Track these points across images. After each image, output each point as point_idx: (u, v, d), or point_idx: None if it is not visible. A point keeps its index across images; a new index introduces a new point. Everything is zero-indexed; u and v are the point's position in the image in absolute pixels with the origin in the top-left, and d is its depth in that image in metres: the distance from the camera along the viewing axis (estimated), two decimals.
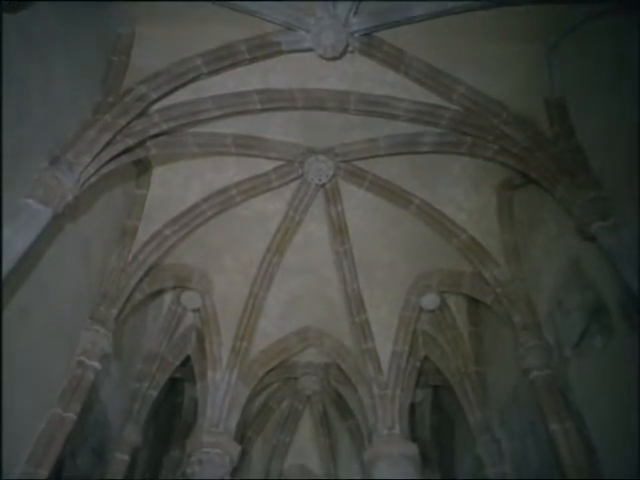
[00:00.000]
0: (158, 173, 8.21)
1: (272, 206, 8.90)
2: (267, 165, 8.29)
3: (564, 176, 5.78)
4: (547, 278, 7.17)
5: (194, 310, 9.73)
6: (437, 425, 11.51)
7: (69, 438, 6.33)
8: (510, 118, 6.42)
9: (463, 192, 8.35)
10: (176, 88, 6.37)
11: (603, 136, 5.56)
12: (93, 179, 5.68)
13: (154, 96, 6.19)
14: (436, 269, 9.15)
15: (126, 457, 8.33)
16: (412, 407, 10.67)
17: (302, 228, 9.11)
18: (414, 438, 9.50)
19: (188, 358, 9.88)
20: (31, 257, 5.30)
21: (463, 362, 9.34)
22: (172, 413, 11.51)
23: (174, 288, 9.58)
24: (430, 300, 9.45)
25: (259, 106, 7.04)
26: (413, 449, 8.15)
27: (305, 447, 12.31)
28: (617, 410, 5.51)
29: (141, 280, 8.10)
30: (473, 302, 9.34)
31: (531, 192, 7.42)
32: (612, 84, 5.34)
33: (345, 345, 9.63)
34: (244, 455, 10.80)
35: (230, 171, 8.33)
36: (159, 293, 9.42)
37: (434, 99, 6.78)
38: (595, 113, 5.69)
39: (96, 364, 6.77)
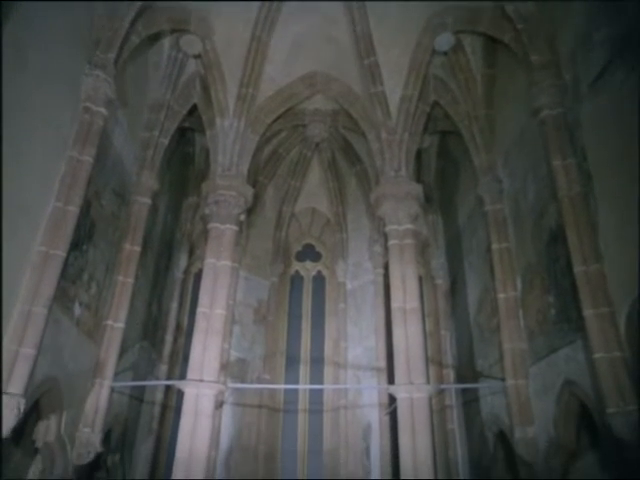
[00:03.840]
0: None
1: None
2: None
3: None
4: (578, 10, 6.56)
5: (195, 56, 9.28)
6: (442, 169, 11.90)
7: (90, 180, 6.69)
8: None
9: None
10: None
11: None
12: None
13: None
14: (452, 5, 8.39)
15: (147, 200, 8.86)
16: (419, 153, 10.92)
17: None
18: (419, 181, 9.95)
19: (195, 107, 9.79)
20: None
21: (473, 106, 9.20)
22: (185, 162, 11.88)
23: (172, 32, 8.97)
24: (444, 40, 8.86)
25: None
26: (418, 189, 8.55)
27: (315, 191, 12.98)
28: (620, 145, 5.58)
29: (135, 22, 7.57)
30: (489, 42, 8.79)
31: None
32: None
33: (353, 90, 9.40)
34: (257, 199, 11.51)
35: None
36: (157, 38, 8.85)
37: None
38: None
39: (102, 110, 6.80)
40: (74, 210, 6.18)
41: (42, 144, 5.94)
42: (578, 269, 5.95)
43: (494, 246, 8.46)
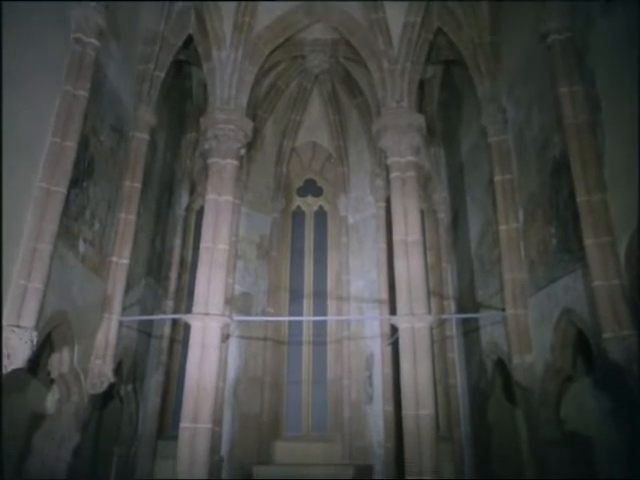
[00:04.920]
0: None
1: None
2: None
3: None
4: None
5: None
6: (445, 101, 11.62)
7: (87, 115, 6.58)
8: None
9: None
10: None
11: None
12: None
13: None
14: None
15: (145, 136, 8.72)
16: (421, 84, 10.63)
17: None
18: (422, 112, 9.73)
19: (190, 38, 9.44)
20: None
21: (478, 33, 8.89)
22: (183, 97, 11.61)
23: None
24: None
25: None
26: (420, 120, 8.40)
27: (315, 125, 12.74)
28: (631, 70, 5.40)
29: None
30: None
31: None
32: None
33: (354, 17, 9.06)
34: (257, 134, 11.35)
35: None
36: None
37: None
38: None
39: (94, 41, 6.60)
40: (72, 145, 6.11)
41: (35, 78, 5.79)
42: (581, 199, 5.94)
43: (497, 178, 8.39)
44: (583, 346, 6.59)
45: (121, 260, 7.97)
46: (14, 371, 5.22)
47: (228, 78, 8.70)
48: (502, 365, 8.40)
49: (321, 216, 13.04)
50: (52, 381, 6.94)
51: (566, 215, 6.67)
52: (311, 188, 13.25)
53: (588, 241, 5.78)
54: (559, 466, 6.93)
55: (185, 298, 11.16)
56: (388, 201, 9.63)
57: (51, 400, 7.02)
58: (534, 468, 8.02)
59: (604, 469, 6.68)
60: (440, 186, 11.78)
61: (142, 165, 8.56)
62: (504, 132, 8.59)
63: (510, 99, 8.48)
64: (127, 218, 8.22)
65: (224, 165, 8.16)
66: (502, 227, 8.19)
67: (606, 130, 5.87)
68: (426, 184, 11.87)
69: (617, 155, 5.70)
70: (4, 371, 5.08)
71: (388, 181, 8.66)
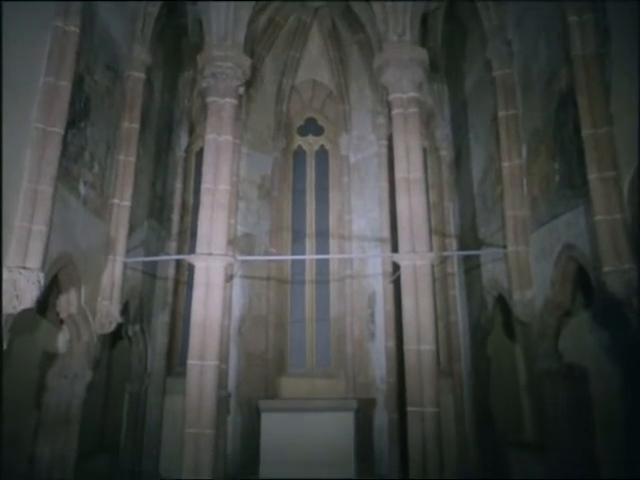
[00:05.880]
0: None
1: None
2: None
3: None
4: None
5: None
6: (449, 34, 11.19)
7: (80, 54, 6.41)
8: None
9: None
10: None
11: None
12: None
13: None
14: None
15: (141, 74, 8.52)
16: (424, 17, 10.19)
17: None
18: (424, 46, 9.41)
19: None
20: None
21: None
22: (178, 35, 11.21)
23: None
24: None
25: None
26: (422, 54, 8.13)
27: (315, 62, 12.37)
28: None
29: None
30: None
31: None
32: None
33: None
34: (256, 72, 11.06)
35: None
36: None
37: None
38: None
39: None
40: (66, 85, 5.96)
41: (23, 13, 5.58)
42: (586, 132, 5.83)
43: (501, 113, 8.23)
44: (582, 282, 6.67)
45: (122, 202, 7.97)
46: (23, 311, 5.33)
47: (224, 13, 8.35)
48: (502, 301, 8.54)
49: (322, 155, 12.88)
50: (62, 322, 7.11)
51: (570, 150, 6.58)
52: (312, 127, 13.02)
53: (592, 176, 5.73)
54: (554, 396, 7.18)
55: (188, 240, 11.22)
56: (390, 139, 9.47)
57: (62, 340, 7.25)
58: (530, 399, 8.33)
59: (599, 399, 6.92)
60: (443, 123, 11.58)
61: (140, 105, 8.40)
62: (509, 66, 8.36)
63: (517, 31, 8.18)
64: (126, 160, 8.15)
65: (223, 104, 7.98)
66: (505, 164, 8.11)
67: (614, 62, 5.69)
68: (428, 121, 11.64)
69: (624, 88, 5.54)
70: (14, 311, 5.19)
71: (390, 118, 8.47)
